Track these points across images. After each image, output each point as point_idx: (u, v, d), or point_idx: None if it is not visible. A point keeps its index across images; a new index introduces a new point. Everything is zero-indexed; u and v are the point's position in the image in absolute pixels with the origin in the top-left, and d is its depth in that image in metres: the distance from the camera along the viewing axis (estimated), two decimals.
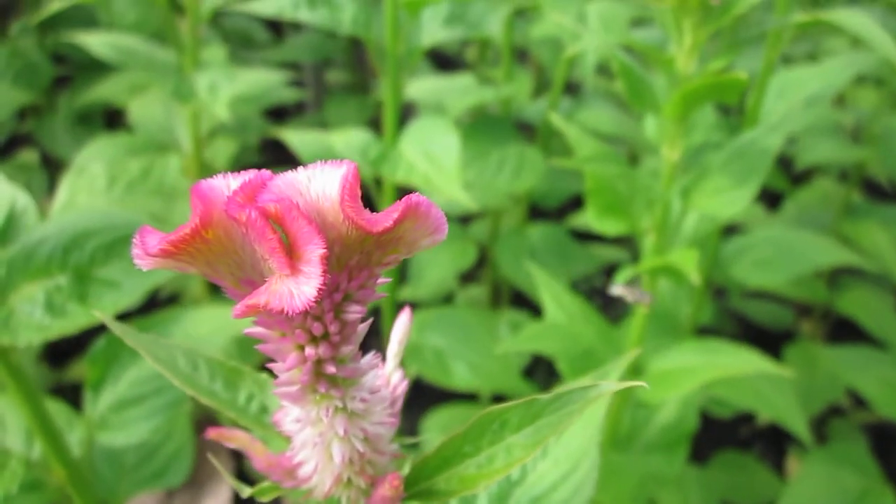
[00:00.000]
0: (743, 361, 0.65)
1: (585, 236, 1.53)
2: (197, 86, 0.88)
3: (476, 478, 0.23)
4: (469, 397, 1.22)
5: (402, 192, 0.89)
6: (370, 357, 0.22)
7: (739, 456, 1.21)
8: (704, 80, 0.48)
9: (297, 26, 1.82)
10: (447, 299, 1.37)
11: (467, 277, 1.46)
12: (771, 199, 1.65)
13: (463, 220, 1.36)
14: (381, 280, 0.19)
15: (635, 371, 0.70)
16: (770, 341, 1.35)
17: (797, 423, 0.93)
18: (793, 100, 0.87)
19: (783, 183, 1.35)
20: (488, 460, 0.23)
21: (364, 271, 0.18)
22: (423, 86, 1.06)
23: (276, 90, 1.33)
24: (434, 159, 0.68)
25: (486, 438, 0.23)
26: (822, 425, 1.33)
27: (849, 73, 0.86)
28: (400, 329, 0.27)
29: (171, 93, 0.86)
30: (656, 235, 0.62)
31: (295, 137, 0.80)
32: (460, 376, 0.86)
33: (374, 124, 1.73)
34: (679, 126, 0.56)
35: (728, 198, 0.58)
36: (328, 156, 0.77)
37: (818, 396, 1.22)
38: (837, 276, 1.41)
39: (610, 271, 1.49)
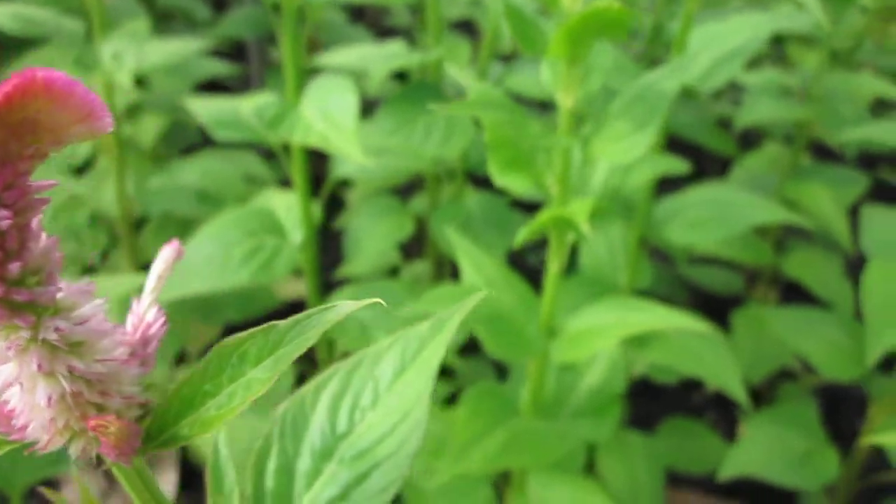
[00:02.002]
0: (657, 317, 0.63)
1: (534, 206, 1.51)
2: (101, 55, 0.84)
3: (215, 419, 0.20)
4: None
5: (313, 154, 0.86)
6: (82, 284, 0.19)
7: (688, 422, 1.20)
8: (584, 13, 0.45)
9: (240, 1, 1.77)
10: (392, 274, 1.34)
11: (414, 252, 1.44)
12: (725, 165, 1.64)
13: (404, 192, 1.33)
14: (38, 183, 0.16)
15: (552, 332, 0.68)
16: (722, 307, 1.34)
17: (736, 387, 0.92)
18: (716, 53, 0.85)
19: (732, 148, 1.33)
20: (228, 399, 0.20)
21: (6, 168, 0.15)
22: (350, 54, 1.03)
23: (208, 64, 1.28)
24: (332, 119, 0.65)
25: (226, 374, 0.20)
26: (774, 389, 1.33)
27: (771, 27, 0.84)
28: (160, 264, 0.24)
29: (74, 62, 0.82)
30: (559, 189, 0.59)
31: (199, 105, 0.76)
32: None
33: None
34: (570, 69, 0.53)
35: (627, 143, 0.56)
36: (232, 122, 0.73)
37: (766, 361, 1.21)
38: (786, 240, 1.40)
39: None
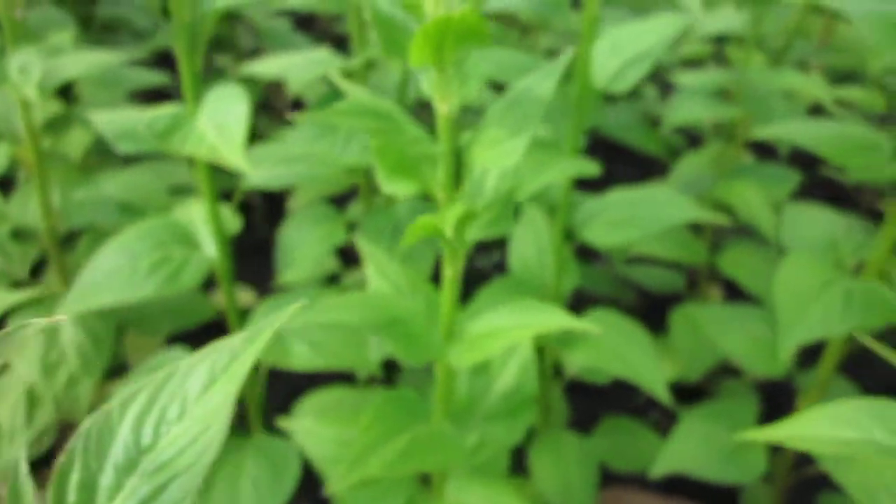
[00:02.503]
0: (551, 319, 0.63)
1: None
2: (9, 68, 0.84)
3: None
4: (348, 378, 1.19)
5: (213, 167, 0.86)
6: None
7: (625, 421, 1.21)
8: (436, 20, 0.45)
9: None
10: (332, 282, 1.34)
11: (356, 260, 1.44)
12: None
13: (340, 200, 1.34)
14: None
15: (453, 335, 0.68)
16: (670, 306, 1.35)
17: (658, 388, 0.93)
18: (627, 55, 0.86)
19: (662, 149, 1.34)
20: None
21: None
22: (274, 62, 1.03)
23: (139, 75, 1.28)
24: (224, 129, 0.65)
25: None
26: (718, 385, 1.34)
27: (679, 27, 0.85)
28: None
29: None
30: (444, 196, 0.60)
31: (101, 117, 0.76)
32: (300, 355, 0.83)
33: (264, 107, 1.68)
34: (441, 76, 0.54)
35: (504, 149, 0.56)
36: (132, 134, 0.73)
37: (703, 358, 1.23)
38: (724, 238, 1.42)
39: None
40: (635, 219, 0.93)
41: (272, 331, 0.34)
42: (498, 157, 0.56)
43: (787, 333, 0.85)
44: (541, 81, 0.56)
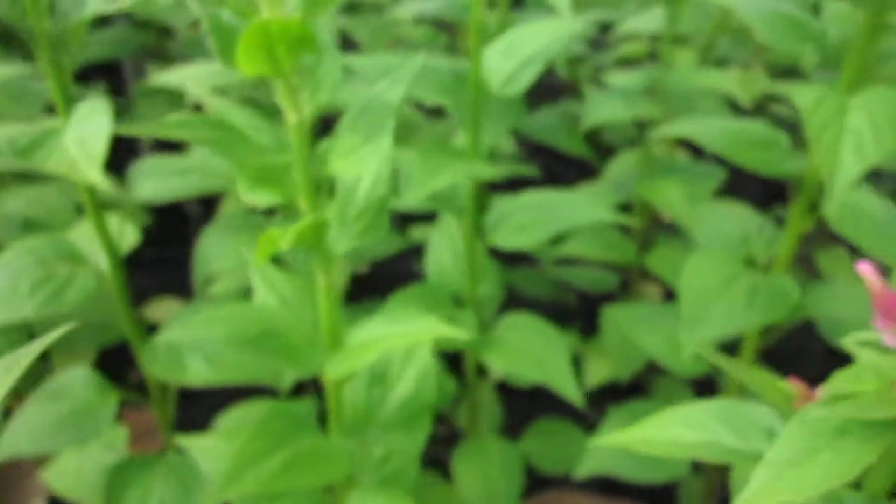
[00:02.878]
0: (422, 328, 0.63)
1: (407, 217, 1.51)
2: None
3: None
4: (272, 392, 1.18)
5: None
6: None
7: (557, 423, 1.20)
8: (255, 25, 0.44)
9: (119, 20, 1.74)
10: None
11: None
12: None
13: (269, 212, 1.32)
14: None
15: (336, 346, 0.67)
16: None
17: (571, 391, 0.92)
18: (520, 57, 0.85)
19: (586, 151, 1.34)
20: None
21: None
22: (176, 73, 1.01)
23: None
24: (85, 143, 0.63)
25: None
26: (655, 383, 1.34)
27: (575, 28, 0.85)
28: None
29: None
30: (307, 205, 0.59)
31: None
32: (195, 371, 0.82)
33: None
34: (288, 85, 0.53)
35: (358, 157, 0.55)
36: None
37: (632, 358, 1.22)
38: (652, 236, 1.42)
39: None
40: (541, 221, 0.92)
41: (31, 358, 0.33)
42: (352, 165, 0.55)
43: (690, 332, 0.85)
44: (391, 87, 0.55)
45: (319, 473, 0.68)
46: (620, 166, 1.41)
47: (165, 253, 1.52)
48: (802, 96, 0.75)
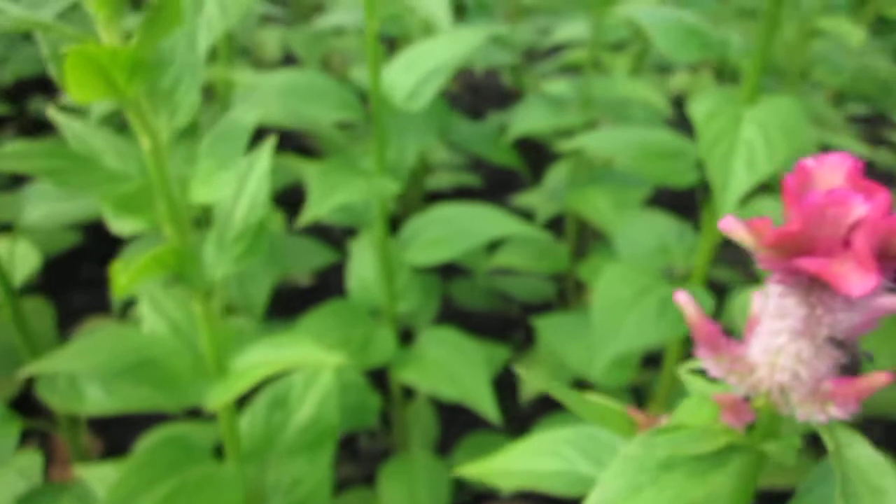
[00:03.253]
0: (304, 353, 0.61)
1: (321, 230, 1.49)
2: None
3: None
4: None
5: None
6: None
7: (486, 437, 1.19)
8: (75, 54, 0.42)
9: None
10: None
11: None
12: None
13: None
14: None
15: (222, 372, 0.66)
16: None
17: (484, 402, 0.91)
18: (421, 72, 0.84)
19: (516, 161, 1.33)
20: None
21: None
22: None
23: None
24: None
25: None
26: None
27: (477, 40, 0.84)
28: None
29: None
30: (173, 230, 0.57)
31: None
32: (94, 400, 0.79)
33: None
34: (137, 110, 0.51)
35: (216, 182, 0.54)
36: None
37: (563, 368, 1.21)
38: (587, 245, 1.42)
39: None
40: (451, 236, 0.91)
41: None
42: (210, 191, 0.54)
43: (601, 345, 0.84)
44: (245, 112, 0.54)
45: (208, 503, 0.66)
46: (557, 175, 1.40)
47: (104, 271, 1.49)
48: (697, 107, 0.74)
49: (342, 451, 1.30)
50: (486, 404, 0.91)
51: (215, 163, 0.53)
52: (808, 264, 0.27)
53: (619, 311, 0.86)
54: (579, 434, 0.48)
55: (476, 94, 2.24)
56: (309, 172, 0.84)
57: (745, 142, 0.72)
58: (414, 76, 0.83)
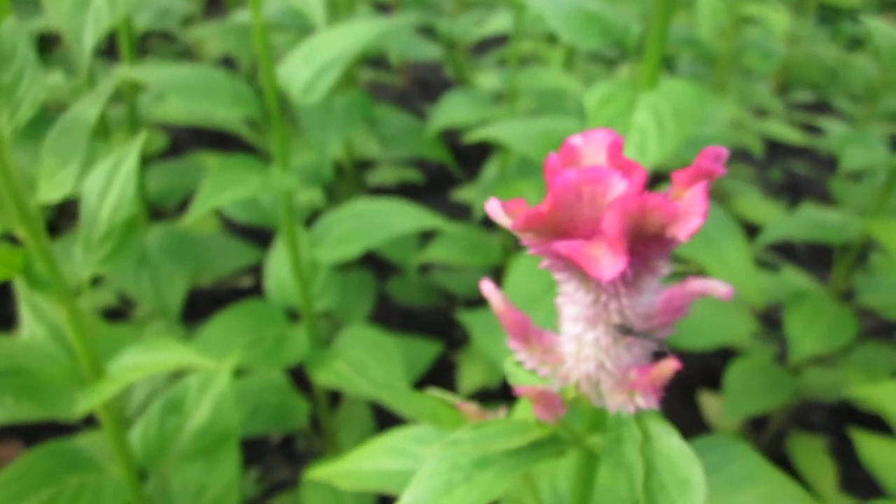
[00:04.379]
0: (176, 356, 0.59)
1: (249, 231, 1.47)
2: None
3: None
4: None
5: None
6: None
7: None
8: None
9: None
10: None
11: None
12: None
13: None
14: None
15: (97, 376, 0.63)
16: None
17: (401, 404, 0.89)
18: (318, 63, 0.82)
19: (448, 158, 1.32)
20: None
21: None
22: None
23: None
24: None
25: None
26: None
27: (374, 32, 0.82)
28: None
29: None
30: (28, 232, 0.54)
31: None
32: None
33: None
34: None
35: (58, 179, 0.51)
36: None
37: (498, 364, 1.20)
38: None
39: None
40: (360, 231, 0.89)
41: None
42: (53, 188, 0.51)
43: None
44: (87, 107, 0.52)
45: None
46: (493, 168, 1.39)
47: None
48: (591, 95, 0.73)
49: (278, 454, 1.28)
50: (402, 406, 0.89)
51: (58, 160, 0.50)
52: (561, 247, 0.25)
53: (528, 306, 0.85)
54: (428, 431, 0.46)
55: (424, 88, 2.22)
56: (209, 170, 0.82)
57: (637, 127, 0.70)
58: (311, 69, 0.81)
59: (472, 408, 0.40)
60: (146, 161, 1.27)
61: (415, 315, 1.48)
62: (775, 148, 2.04)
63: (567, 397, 0.35)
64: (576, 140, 0.28)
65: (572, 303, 0.31)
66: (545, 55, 1.60)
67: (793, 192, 1.88)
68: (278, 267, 1.02)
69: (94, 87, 0.99)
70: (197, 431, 0.75)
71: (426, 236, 1.36)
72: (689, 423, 1.28)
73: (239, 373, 1.04)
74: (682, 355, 1.42)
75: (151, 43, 2.05)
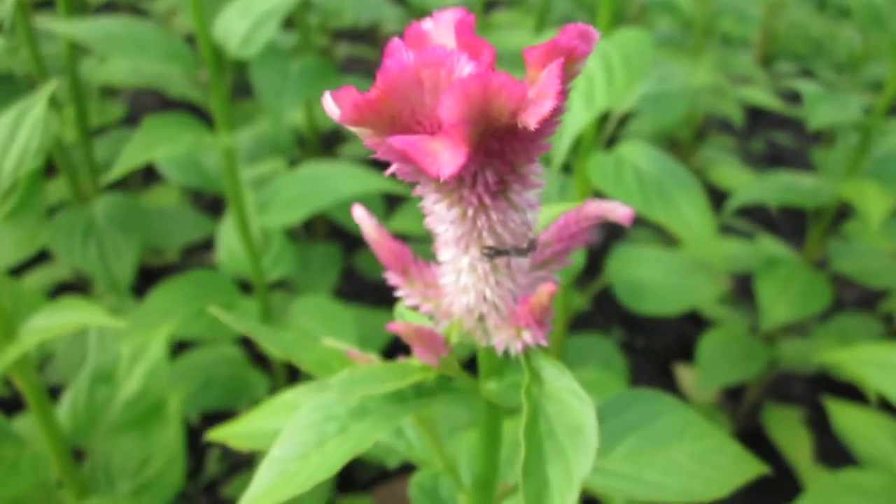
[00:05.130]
0: (83, 315, 0.55)
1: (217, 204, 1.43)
2: None
3: None
4: None
5: None
6: None
7: None
8: None
9: None
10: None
11: None
12: None
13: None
14: None
15: (8, 337, 0.59)
16: None
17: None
18: (255, 15, 0.78)
19: None
20: None
21: None
22: None
23: None
24: None
25: None
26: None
27: None
28: None
29: None
30: None
31: None
32: None
33: None
34: None
35: None
36: None
37: None
38: None
39: None
40: (307, 196, 0.85)
41: None
42: None
43: None
44: None
45: (8, 485, 0.60)
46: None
47: None
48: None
49: None
50: None
51: None
52: (396, 142, 0.22)
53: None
54: (308, 386, 0.42)
55: None
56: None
57: (586, 74, 0.66)
58: (248, 21, 0.77)
59: (364, 356, 0.37)
60: (102, 130, 1.23)
61: (381, 289, 1.44)
62: (758, 118, 2.00)
63: (450, 336, 0.31)
64: (425, 24, 0.24)
65: (439, 221, 0.27)
66: (518, 22, 1.56)
67: (775, 163, 1.84)
68: (229, 235, 0.99)
69: (34, 47, 0.94)
70: (128, 402, 0.71)
71: (394, 206, 1.33)
72: None
73: (191, 346, 1.01)
74: (656, 325, 1.39)
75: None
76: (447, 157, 0.21)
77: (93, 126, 1.13)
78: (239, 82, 1.65)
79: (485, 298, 0.29)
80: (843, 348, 1.10)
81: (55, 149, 1.01)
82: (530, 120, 0.21)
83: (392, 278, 0.31)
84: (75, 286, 1.25)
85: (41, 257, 1.19)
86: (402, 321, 0.34)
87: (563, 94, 0.21)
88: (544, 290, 0.26)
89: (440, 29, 0.24)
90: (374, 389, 0.30)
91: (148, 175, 1.45)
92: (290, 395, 0.41)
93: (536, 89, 0.21)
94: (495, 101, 0.21)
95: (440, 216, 0.27)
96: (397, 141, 0.22)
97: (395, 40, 0.23)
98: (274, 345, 0.33)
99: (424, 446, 0.40)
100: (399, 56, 0.21)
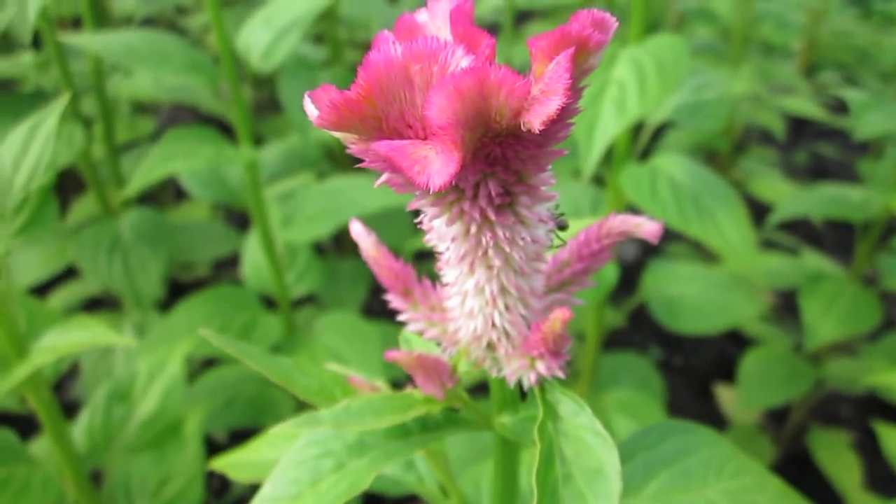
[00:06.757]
0: (93, 334, 0.54)
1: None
2: None
3: None
4: None
5: None
6: None
7: None
8: None
9: None
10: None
11: None
12: None
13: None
14: None
15: (20, 355, 0.58)
16: None
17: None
18: (277, 27, 0.76)
19: None
20: None
21: None
22: None
23: None
24: None
25: None
26: None
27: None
28: None
29: None
30: None
31: None
32: None
33: None
34: None
35: None
36: None
37: None
38: None
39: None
40: (330, 210, 0.83)
41: None
42: None
43: None
44: None
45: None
46: None
47: None
48: None
49: None
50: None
51: None
52: (381, 147, 0.19)
53: None
54: (307, 417, 0.40)
55: None
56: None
57: (617, 82, 0.63)
58: (270, 32, 0.75)
59: (369, 383, 0.34)
60: (132, 145, 1.23)
61: None
62: (801, 129, 1.93)
63: (457, 365, 0.28)
64: (419, 14, 0.21)
65: (440, 238, 0.24)
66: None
67: (819, 175, 1.77)
68: (253, 250, 0.97)
69: (63, 63, 0.94)
70: (145, 421, 0.69)
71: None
72: (703, 416, 1.20)
73: (216, 363, 0.99)
74: (695, 343, 1.34)
75: None
76: (437, 164, 0.18)
77: (122, 141, 1.13)
78: (271, 97, 1.64)
79: (493, 324, 0.26)
80: (894, 369, 1.04)
81: (84, 164, 1.00)
82: (534, 121, 0.18)
83: (394, 300, 0.28)
84: (105, 301, 1.25)
85: (71, 273, 1.19)
86: (407, 348, 0.31)
87: (575, 92, 0.18)
88: (558, 317, 0.23)
89: (436, 21, 0.21)
90: (371, 424, 0.27)
91: (180, 190, 1.45)
92: (290, 425, 0.39)
93: (542, 85, 0.18)
94: (493, 99, 0.18)
95: (441, 233, 0.24)
96: (382, 146, 0.19)
97: (384, 32, 0.20)
98: (268, 369, 0.31)
99: (436, 480, 0.36)
100: (385, 49, 0.19)
